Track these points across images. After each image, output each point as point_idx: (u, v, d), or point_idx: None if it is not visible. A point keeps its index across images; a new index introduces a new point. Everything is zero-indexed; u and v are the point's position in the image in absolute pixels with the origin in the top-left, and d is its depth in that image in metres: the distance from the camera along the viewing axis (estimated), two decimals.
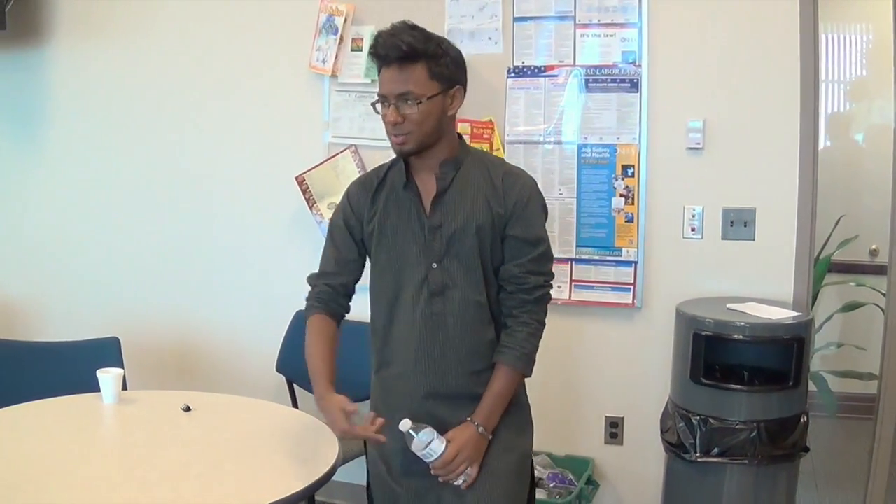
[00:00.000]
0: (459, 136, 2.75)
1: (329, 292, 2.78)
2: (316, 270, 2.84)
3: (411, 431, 2.54)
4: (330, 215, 4.29)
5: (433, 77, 2.55)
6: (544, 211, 2.73)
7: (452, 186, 2.65)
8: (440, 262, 2.64)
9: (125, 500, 2.50)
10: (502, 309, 2.70)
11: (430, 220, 2.65)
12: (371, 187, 2.76)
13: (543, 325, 2.72)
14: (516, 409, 2.76)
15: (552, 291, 2.75)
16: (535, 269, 2.67)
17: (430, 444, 2.55)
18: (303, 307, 2.78)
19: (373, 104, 2.62)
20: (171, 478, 2.65)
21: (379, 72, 2.59)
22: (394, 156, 2.72)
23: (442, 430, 2.59)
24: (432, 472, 2.60)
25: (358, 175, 4.30)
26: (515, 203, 2.64)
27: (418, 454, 2.57)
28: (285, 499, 2.51)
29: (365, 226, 2.74)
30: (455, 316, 2.64)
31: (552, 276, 2.73)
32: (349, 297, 2.83)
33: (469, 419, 2.63)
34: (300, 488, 2.58)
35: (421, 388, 2.68)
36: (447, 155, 2.66)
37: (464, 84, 2.65)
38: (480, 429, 2.62)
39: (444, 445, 2.56)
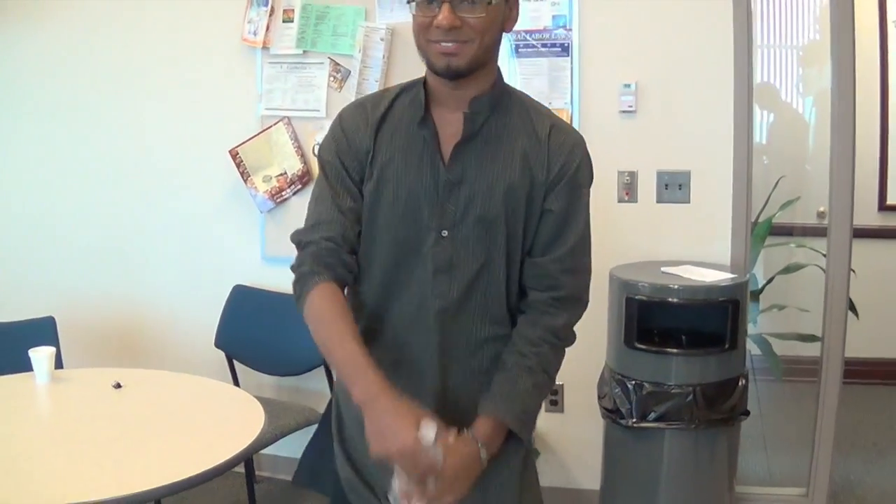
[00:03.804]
0: (498, 69, 2.10)
1: (331, 249, 2.05)
2: (302, 226, 2.14)
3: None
4: (265, 188, 4.31)
5: None
6: (588, 182, 2.15)
7: (483, 132, 2.04)
8: (451, 230, 2.04)
9: (50, 475, 2.53)
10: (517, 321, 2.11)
11: (449, 172, 2.02)
12: (374, 116, 2.09)
13: (552, 380, 2.13)
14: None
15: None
16: (571, 267, 2.09)
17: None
18: (239, 281, 2.51)
19: (409, 2, 1.98)
20: (96, 453, 2.68)
21: None
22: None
23: None
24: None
25: (292, 147, 4.27)
26: (562, 167, 2.05)
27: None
28: (207, 471, 2.54)
29: (364, 171, 2.09)
30: (461, 302, 2.07)
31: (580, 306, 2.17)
32: (355, 255, 2.11)
33: (470, 431, 1.98)
34: (222, 460, 2.60)
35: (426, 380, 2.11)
36: (483, 88, 2.03)
37: None
38: (482, 451, 1.97)
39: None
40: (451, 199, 2.02)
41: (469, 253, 2.04)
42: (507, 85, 2.12)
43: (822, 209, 5.81)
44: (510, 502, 2.17)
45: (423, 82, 2.07)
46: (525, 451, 2.19)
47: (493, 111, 2.04)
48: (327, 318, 2.00)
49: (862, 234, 4.65)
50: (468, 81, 1.99)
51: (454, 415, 2.02)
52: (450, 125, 2.04)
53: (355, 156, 2.08)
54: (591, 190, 3.66)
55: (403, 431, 1.81)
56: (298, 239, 2.10)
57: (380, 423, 1.85)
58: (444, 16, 1.88)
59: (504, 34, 2.04)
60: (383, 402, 1.86)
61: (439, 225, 2.03)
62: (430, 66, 2.00)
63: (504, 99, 2.07)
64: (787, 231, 5.64)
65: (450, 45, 1.92)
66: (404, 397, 1.87)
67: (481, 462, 1.96)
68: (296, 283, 2.07)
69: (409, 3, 1.97)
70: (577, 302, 2.14)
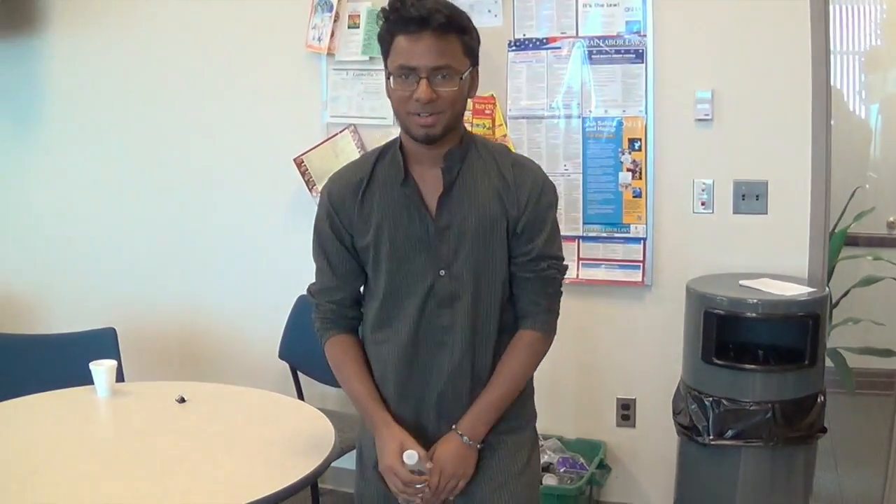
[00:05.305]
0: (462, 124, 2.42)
1: (334, 310, 2.47)
2: (313, 278, 2.54)
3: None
4: None
5: (466, 53, 2.24)
6: (555, 201, 2.44)
7: (458, 180, 2.33)
8: (449, 269, 2.34)
9: (111, 496, 2.44)
10: (518, 307, 2.43)
11: (437, 220, 2.32)
12: (358, 187, 2.37)
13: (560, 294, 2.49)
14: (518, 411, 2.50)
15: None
16: (546, 253, 2.38)
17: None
18: (303, 291, 2.62)
19: (389, 77, 2.24)
20: (159, 472, 2.60)
21: (393, 39, 2.21)
22: (379, 144, 2.45)
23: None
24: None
25: (358, 155, 4.21)
26: (528, 200, 2.34)
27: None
28: (279, 492, 2.44)
29: (357, 236, 2.39)
30: (464, 328, 2.36)
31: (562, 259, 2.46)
32: (358, 305, 2.50)
33: (454, 428, 2.37)
34: (294, 481, 2.51)
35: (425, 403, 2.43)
36: (453, 143, 2.33)
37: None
38: (465, 438, 2.35)
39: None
40: (443, 243, 2.33)
41: (466, 284, 2.35)
42: (470, 134, 2.42)
43: (892, 219, 5.71)
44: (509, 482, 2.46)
45: (399, 144, 2.37)
46: (530, 446, 2.53)
47: (464, 161, 2.35)
48: (339, 364, 2.47)
49: None
50: (441, 142, 2.29)
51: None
52: (429, 178, 2.34)
53: (348, 230, 2.40)
54: (666, 200, 3.69)
55: (389, 455, 2.33)
56: (310, 295, 2.56)
57: (380, 446, 2.38)
58: (422, 90, 2.18)
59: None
60: (382, 432, 2.37)
61: (436, 266, 2.34)
62: (409, 134, 2.29)
63: (471, 148, 2.37)
64: (853, 242, 5.51)
65: (427, 117, 2.21)
66: (401, 427, 2.38)
67: (469, 448, 2.37)
68: (316, 331, 2.53)
69: (387, 78, 2.26)
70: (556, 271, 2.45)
